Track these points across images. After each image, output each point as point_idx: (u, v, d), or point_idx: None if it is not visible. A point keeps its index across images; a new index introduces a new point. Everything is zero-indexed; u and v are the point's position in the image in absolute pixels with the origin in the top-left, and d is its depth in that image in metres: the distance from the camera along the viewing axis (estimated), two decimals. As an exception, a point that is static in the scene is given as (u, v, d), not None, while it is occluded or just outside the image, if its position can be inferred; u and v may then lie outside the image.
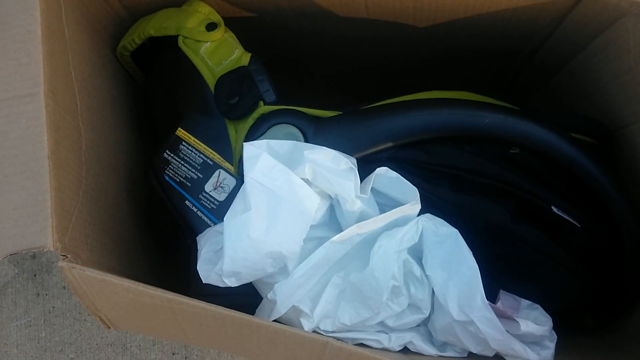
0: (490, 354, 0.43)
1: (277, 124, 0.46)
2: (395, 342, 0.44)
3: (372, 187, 0.43)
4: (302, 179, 0.41)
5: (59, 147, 0.40)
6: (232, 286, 0.41)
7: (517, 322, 0.41)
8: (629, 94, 0.43)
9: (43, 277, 0.75)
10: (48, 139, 0.39)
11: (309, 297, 0.42)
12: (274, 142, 0.43)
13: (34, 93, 0.39)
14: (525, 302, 0.44)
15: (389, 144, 0.44)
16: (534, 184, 0.44)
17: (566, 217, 0.43)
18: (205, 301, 0.36)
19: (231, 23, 0.53)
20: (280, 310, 0.40)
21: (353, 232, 0.42)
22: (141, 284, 0.36)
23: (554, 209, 0.43)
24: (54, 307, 0.74)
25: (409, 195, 0.42)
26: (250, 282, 0.43)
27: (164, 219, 0.53)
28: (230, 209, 0.41)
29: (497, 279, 0.43)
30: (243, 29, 0.53)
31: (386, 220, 0.42)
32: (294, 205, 0.41)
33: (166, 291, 0.36)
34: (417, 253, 0.44)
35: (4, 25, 0.41)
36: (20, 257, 0.76)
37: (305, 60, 0.60)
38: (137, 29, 0.54)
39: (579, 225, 0.43)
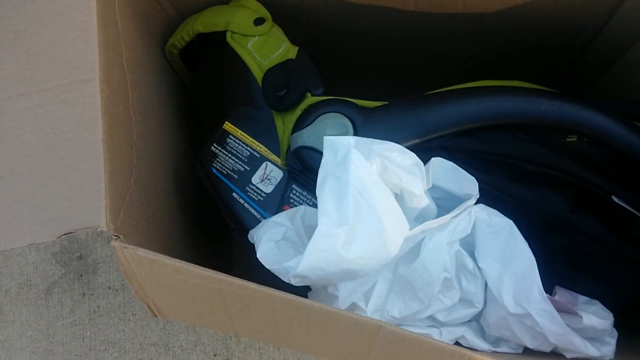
0: (548, 349, 0.41)
1: (325, 113, 0.45)
2: (446, 336, 0.43)
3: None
4: None
5: (113, 132, 0.41)
6: (295, 285, 0.40)
7: (579, 315, 0.39)
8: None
9: (89, 277, 0.77)
10: (103, 124, 0.39)
11: (363, 292, 0.41)
12: (343, 139, 0.40)
13: (89, 79, 0.40)
14: (582, 298, 0.42)
15: (441, 132, 0.43)
16: (593, 173, 0.42)
17: (628, 207, 0.41)
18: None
19: (278, 20, 0.54)
20: (342, 306, 0.40)
21: (417, 231, 0.40)
22: (192, 265, 0.36)
23: (615, 199, 0.42)
24: (98, 307, 0.75)
25: (467, 186, 0.41)
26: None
27: (210, 212, 0.54)
28: (323, 213, 0.38)
29: (555, 274, 0.42)
30: (290, 26, 0.54)
31: (450, 216, 0.41)
32: (387, 229, 0.39)
33: (217, 272, 0.36)
34: (469, 245, 0.42)
35: (61, 15, 0.42)
36: (67, 258, 0.78)
37: (350, 59, 0.60)
38: (186, 26, 0.55)
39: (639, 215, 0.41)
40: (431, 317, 0.43)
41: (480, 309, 0.42)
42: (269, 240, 0.42)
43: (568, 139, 0.43)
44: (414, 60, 0.58)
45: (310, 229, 0.43)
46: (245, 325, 0.42)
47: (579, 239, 0.42)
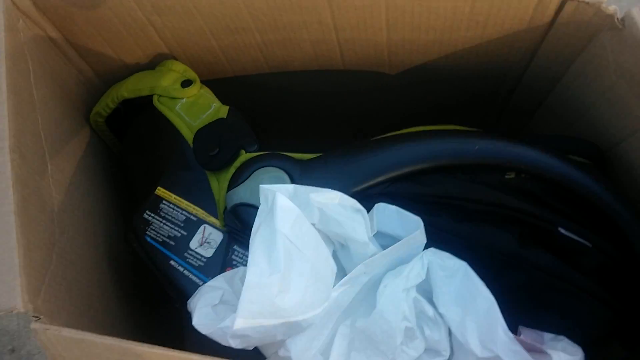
0: None
1: (261, 167, 0.44)
2: None
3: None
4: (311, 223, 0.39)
5: (27, 204, 0.37)
6: (235, 347, 0.37)
7: (547, 353, 0.38)
8: (615, 110, 0.42)
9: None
10: (14, 194, 0.36)
11: (320, 352, 0.38)
12: (279, 187, 0.39)
13: (-1, 148, 0.37)
14: (548, 335, 0.41)
15: (380, 179, 0.43)
16: (535, 207, 0.42)
17: (575, 238, 0.41)
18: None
19: (208, 83, 0.53)
20: None
21: (360, 271, 0.39)
22: (125, 341, 0.32)
23: (562, 230, 0.41)
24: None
25: (412, 227, 0.39)
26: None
27: (149, 284, 0.50)
28: (252, 263, 0.36)
29: (515, 314, 0.40)
30: (220, 88, 0.53)
31: (393, 254, 0.39)
32: (320, 273, 0.37)
33: (154, 346, 0.32)
34: (426, 292, 0.41)
35: (-31, 83, 0.39)
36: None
37: (283, 116, 0.59)
38: (110, 93, 0.53)
39: (589, 245, 0.41)
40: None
41: (447, 357, 0.40)
42: (205, 306, 0.38)
43: (507, 176, 0.43)
44: (348, 114, 0.58)
45: None
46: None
47: (534, 274, 0.41)
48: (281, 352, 0.37)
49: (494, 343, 0.37)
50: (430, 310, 0.39)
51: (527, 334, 0.40)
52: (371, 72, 0.53)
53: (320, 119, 0.59)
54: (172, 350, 0.32)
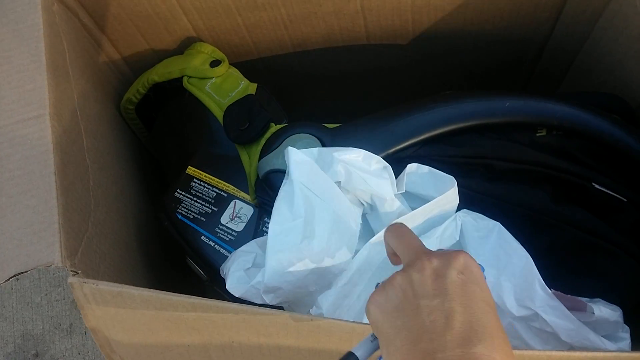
0: (563, 350, 0.37)
1: (292, 134, 0.44)
2: None
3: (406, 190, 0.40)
4: (336, 181, 0.39)
5: (66, 169, 0.38)
6: (269, 303, 0.37)
7: (589, 307, 0.36)
8: (643, 62, 0.42)
9: (46, 373, 0.69)
10: (55, 157, 0.36)
11: (350, 309, 0.38)
12: (304, 151, 0.40)
13: (39, 115, 0.38)
14: (584, 299, 0.40)
15: (412, 141, 0.42)
16: (568, 163, 0.41)
17: (610, 193, 0.40)
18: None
19: (235, 65, 0.54)
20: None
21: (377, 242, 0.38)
22: (162, 292, 0.32)
23: (596, 185, 0.40)
24: (58, 407, 0.67)
25: (445, 186, 0.39)
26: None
27: (177, 265, 0.50)
28: (273, 218, 0.37)
29: (550, 275, 0.39)
30: (246, 70, 0.54)
31: (425, 214, 0.39)
32: (342, 219, 0.38)
33: (190, 296, 0.32)
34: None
35: (7, 57, 0.40)
36: (22, 358, 0.70)
37: (308, 94, 0.60)
38: (141, 79, 0.54)
39: (625, 200, 0.40)
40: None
41: None
42: (238, 270, 0.39)
43: (538, 134, 0.42)
44: (372, 90, 0.59)
45: None
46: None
47: (569, 232, 0.40)
48: (313, 310, 0.36)
49: (531, 300, 0.36)
50: None
51: (560, 296, 0.38)
52: (395, 46, 0.53)
53: (345, 96, 0.59)
54: (206, 299, 0.32)
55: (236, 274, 0.39)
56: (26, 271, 0.33)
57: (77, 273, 0.33)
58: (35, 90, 0.39)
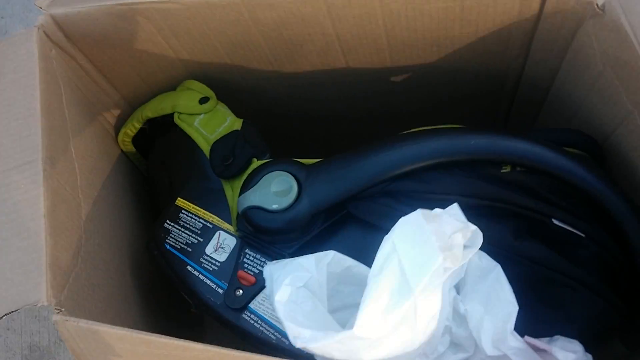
0: None
1: (270, 172, 0.47)
2: None
3: None
4: None
5: (56, 209, 0.41)
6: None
7: (553, 354, 0.38)
8: (605, 99, 0.43)
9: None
10: (45, 200, 0.40)
11: None
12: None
13: (32, 160, 0.41)
14: (545, 339, 0.41)
15: (381, 178, 0.45)
16: (530, 199, 0.43)
17: (569, 229, 0.42)
18: None
19: (225, 99, 0.57)
20: None
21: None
22: (136, 331, 0.35)
23: (555, 222, 0.42)
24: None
25: (476, 241, 0.39)
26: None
27: (169, 292, 0.53)
28: (366, 311, 0.35)
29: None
30: (235, 102, 0.57)
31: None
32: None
33: (161, 336, 0.35)
34: (457, 287, 0.42)
35: (7, 106, 0.44)
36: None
37: (295, 123, 0.62)
38: (136, 114, 0.57)
39: (583, 236, 0.42)
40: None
41: (471, 353, 0.41)
42: (291, 285, 0.38)
43: (502, 170, 0.44)
44: (357, 118, 0.61)
45: (332, 276, 0.41)
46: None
47: (530, 267, 0.42)
48: None
49: (504, 343, 0.38)
50: (462, 307, 0.40)
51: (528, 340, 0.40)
52: (376, 78, 0.55)
53: (331, 124, 0.62)
54: (178, 339, 0.35)
55: (287, 289, 0.38)
56: (15, 310, 0.36)
57: (61, 311, 0.36)
58: (30, 137, 0.42)
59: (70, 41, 0.51)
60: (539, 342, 0.38)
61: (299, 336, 0.36)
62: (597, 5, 0.39)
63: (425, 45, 0.49)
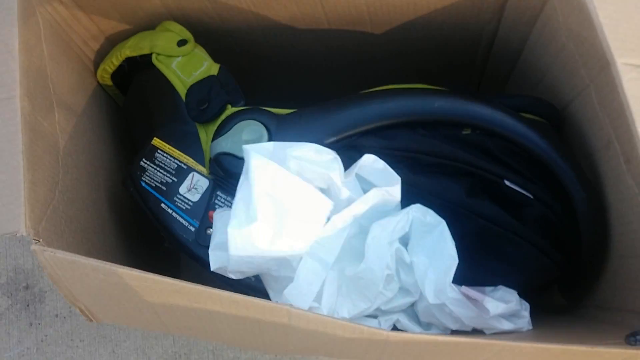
0: (469, 329, 0.44)
1: (241, 120, 0.48)
2: (384, 324, 0.45)
3: (357, 174, 0.45)
4: None
5: (34, 146, 0.43)
6: (236, 279, 0.43)
7: (486, 308, 0.42)
8: (567, 71, 0.45)
9: (36, 306, 0.77)
10: (23, 137, 0.41)
11: (314, 298, 0.43)
12: (259, 146, 0.44)
13: (10, 97, 0.43)
14: (488, 288, 0.45)
15: (349, 132, 0.47)
16: (486, 161, 0.46)
17: (519, 190, 0.45)
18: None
19: (204, 41, 0.58)
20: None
21: (335, 225, 0.43)
22: (109, 263, 0.38)
23: (507, 183, 0.45)
24: (46, 336, 0.75)
25: (392, 182, 0.43)
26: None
27: (146, 225, 0.56)
28: (232, 218, 0.41)
29: (464, 259, 0.45)
30: (214, 46, 0.57)
31: (372, 201, 0.43)
32: (304, 212, 0.42)
33: (133, 269, 0.38)
34: (404, 239, 0.45)
35: (-16, 41, 0.45)
36: (13, 289, 0.78)
37: (271, 72, 0.64)
38: (115, 51, 0.58)
39: (531, 197, 0.45)
40: (373, 308, 0.45)
41: (417, 298, 0.45)
42: (222, 234, 0.43)
43: (463, 132, 0.46)
44: (334, 68, 0.62)
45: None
46: (172, 321, 0.44)
47: (480, 223, 0.45)
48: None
49: (443, 294, 0.42)
50: (408, 258, 0.44)
51: (469, 290, 0.44)
52: (354, 30, 0.56)
53: (308, 72, 0.63)
54: (148, 273, 0.38)
55: (219, 239, 0.44)
56: (-5, 238, 0.39)
57: (39, 241, 0.39)
58: (7, 72, 0.43)
59: (49, -25, 0.51)
60: (473, 292, 0.42)
61: (228, 269, 0.42)
62: (562, -20, 0.41)
63: (403, 4, 0.50)
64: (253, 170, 0.41)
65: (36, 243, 0.39)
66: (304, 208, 0.42)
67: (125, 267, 0.38)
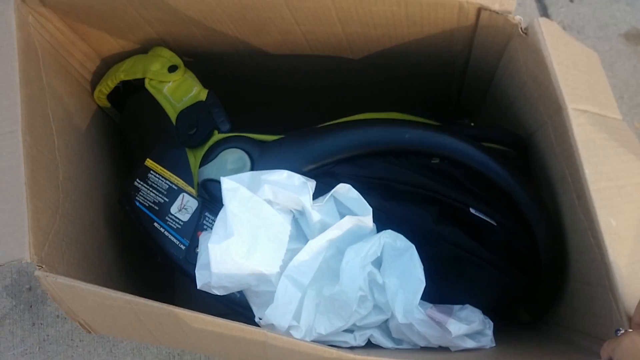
0: (436, 346, 0.48)
1: (227, 148, 0.52)
2: (359, 339, 0.49)
3: (335, 198, 0.48)
4: (265, 199, 0.47)
5: (36, 176, 0.47)
6: (221, 295, 0.47)
7: (449, 329, 0.46)
8: (529, 105, 0.49)
9: (38, 307, 0.81)
10: (25, 169, 0.45)
11: (294, 316, 0.47)
12: (237, 176, 0.47)
13: (12, 131, 0.46)
14: (456, 307, 0.49)
15: (325, 161, 0.50)
16: (453, 189, 0.49)
17: (483, 217, 0.49)
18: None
19: (193, 64, 0.61)
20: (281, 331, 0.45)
21: (311, 248, 0.46)
22: (105, 288, 0.42)
23: (472, 210, 0.49)
24: (48, 336, 0.80)
25: (364, 211, 0.47)
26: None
27: (140, 241, 0.60)
28: (212, 235, 0.45)
29: (434, 280, 0.48)
30: (203, 69, 0.61)
31: (345, 227, 0.47)
32: (271, 231, 0.46)
33: (126, 294, 0.42)
34: (378, 261, 0.49)
35: (-13, 77, 0.48)
36: (17, 290, 0.82)
37: (258, 92, 0.67)
38: (111, 74, 0.61)
39: (495, 224, 0.49)
40: (348, 325, 0.49)
41: (389, 316, 0.49)
42: (206, 255, 0.46)
43: (432, 161, 0.50)
44: (314, 90, 0.65)
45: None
46: (163, 337, 0.48)
47: (447, 248, 0.49)
48: (263, 323, 0.46)
49: (411, 315, 0.46)
50: (380, 279, 0.48)
51: (437, 308, 0.48)
52: (335, 57, 0.60)
53: (293, 94, 0.66)
54: (139, 298, 0.42)
55: (204, 261, 0.47)
56: (3, 264, 0.42)
57: (42, 267, 0.43)
58: (10, 107, 0.47)
59: (47, 6, 0.54)
60: (437, 315, 0.46)
61: (212, 285, 0.46)
62: (520, 28, 0.44)
63: (378, 35, 0.53)
64: (225, 194, 0.46)
65: (39, 269, 0.43)
66: (269, 228, 0.46)
67: (119, 292, 0.42)
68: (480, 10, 0.45)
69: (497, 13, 0.44)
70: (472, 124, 0.70)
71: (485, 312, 0.49)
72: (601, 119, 0.43)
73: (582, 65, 0.44)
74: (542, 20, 0.43)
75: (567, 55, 0.43)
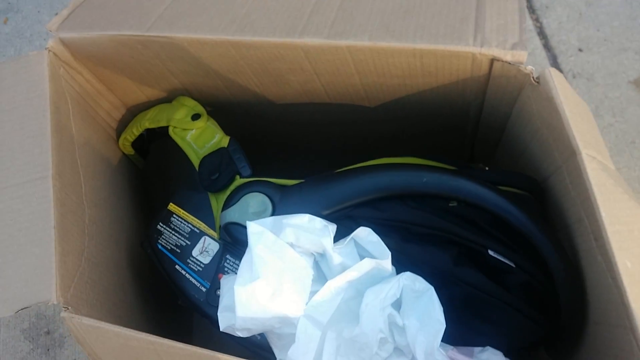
0: None
1: (249, 192, 0.54)
2: None
3: (355, 242, 0.49)
4: (287, 242, 0.48)
5: (64, 220, 0.48)
6: (243, 337, 0.47)
7: None
8: (543, 150, 0.50)
9: (55, 351, 0.81)
10: (54, 213, 0.47)
11: (314, 357, 0.47)
12: (261, 221, 0.48)
13: (43, 177, 0.48)
14: (477, 349, 0.49)
15: (344, 205, 0.52)
16: (471, 232, 0.50)
17: (502, 259, 0.49)
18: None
19: (216, 112, 0.63)
20: None
21: (330, 288, 0.47)
22: (128, 329, 0.43)
23: (491, 252, 0.49)
24: (65, 381, 0.80)
25: (383, 255, 0.48)
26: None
27: (163, 284, 0.60)
28: (238, 277, 0.46)
29: (454, 321, 0.48)
30: (225, 117, 0.63)
31: (365, 269, 0.47)
32: (295, 274, 0.47)
33: (150, 335, 0.43)
34: (397, 303, 0.49)
35: (21, 124, 0.51)
36: (35, 334, 0.83)
37: (277, 142, 0.69)
38: (136, 122, 0.64)
39: (513, 266, 0.49)
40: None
41: (410, 358, 0.49)
42: (230, 298, 0.47)
43: (450, 204, 0.51)
44: (333, 140, 0.67)
45: None
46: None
47: (466, 290, 0.49)
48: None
49: (432, 356, 0.46)
50: (400, 321, 0.48)
51: (460, 349, 0.48)
52: (353, 107, 0.62)
53: (312, 143, 0.68)
54: (162, 338, 0.42)
55: (227, 303, 0.48)
56: (29, 306, 0.44)
57: (68, 309, 0.44)
58: (41, 154, 0.49)
59: (77, 60, 0.58)
60: (459, 356, 0.46)
61: (235, 328, 0.47)
62: (532, 77, 0.46)
63: (394, 85, 0.56)
64: (250, 237, 0.47)
65: (65, 310, 0.44)
66: (293, 271, 0.47)
67: (142, 333, 0.43)
68: (493, 61, 0.47)
69: (510, 64, 0.46)
70: (487, 168, 0.72)
71: (506, 354, 0.49)
72: (605, 166, 0.44)
73: (584, 114, 0.46)
74: (552, 70, 0.45)
75: (574, 104, 0.44)
